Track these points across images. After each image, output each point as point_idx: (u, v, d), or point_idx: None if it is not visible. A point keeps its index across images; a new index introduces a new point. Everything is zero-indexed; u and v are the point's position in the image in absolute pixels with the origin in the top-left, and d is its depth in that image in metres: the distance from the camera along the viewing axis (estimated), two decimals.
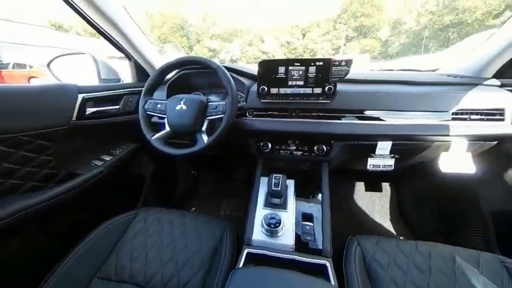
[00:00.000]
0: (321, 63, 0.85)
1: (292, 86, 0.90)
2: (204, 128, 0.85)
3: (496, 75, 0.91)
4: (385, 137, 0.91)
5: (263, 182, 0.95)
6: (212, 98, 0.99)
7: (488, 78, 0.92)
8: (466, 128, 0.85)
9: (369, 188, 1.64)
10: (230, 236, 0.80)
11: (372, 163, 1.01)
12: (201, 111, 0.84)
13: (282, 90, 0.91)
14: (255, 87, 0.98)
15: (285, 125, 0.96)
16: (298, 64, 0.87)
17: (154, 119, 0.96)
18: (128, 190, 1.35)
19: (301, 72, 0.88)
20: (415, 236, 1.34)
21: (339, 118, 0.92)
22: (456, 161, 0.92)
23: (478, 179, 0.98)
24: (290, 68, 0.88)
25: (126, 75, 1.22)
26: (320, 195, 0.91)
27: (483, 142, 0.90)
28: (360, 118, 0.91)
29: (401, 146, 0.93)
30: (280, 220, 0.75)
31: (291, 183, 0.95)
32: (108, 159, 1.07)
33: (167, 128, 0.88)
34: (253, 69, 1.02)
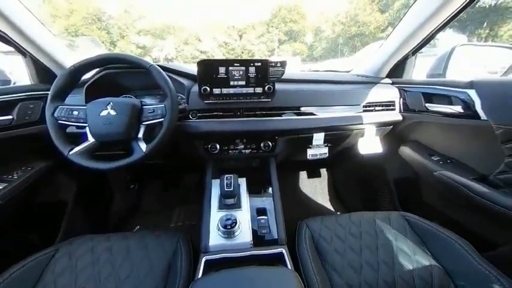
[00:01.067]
0: (259, 64, 0.90)
1: (234, 86, 0.91)
2: (140, 135, 0.75)
3: (388, 75, 1.19)
4: (319, 129, 1.05)
5: (215, 184, 0.93)
6: (147, 100, 0.89)
7: (383, 78, 1.19)
8: (373, 117, 1.08)
9: (310, 175, 1.85)
10: (185, 248, 0.75)
11: (310, 153, 1.15)
12: (134, 116, 0.74)
13: (225, 91, 0.91)
14: (195, 88, 0.94)
15: (231, 125, 0.96)
16: (238, 64, 0.89)
17: (71, 129, 0.78)
18: (41, 223, 1.06)
19: (241, 73, 0.90)
20: (348, 209, 1.61)
21: (280, 115, 1.00)
22: (369, 144, 1.16)
23: (384, 156, 1.26)
24: (230, 68, 0.89)
25: (21, 76, 0.94)
26: (270, 188, 0.97)
27: (385, 127, 1.16)
28: (297, 114, 1.01)
29: (331, 136, 1.09)
30: (236, 220, 0.75)
31: (242, 182, 0.96)
32: (0, 187, 0.80)
33: (90, 139, 0.73)
34: (192, 69, 0.98)
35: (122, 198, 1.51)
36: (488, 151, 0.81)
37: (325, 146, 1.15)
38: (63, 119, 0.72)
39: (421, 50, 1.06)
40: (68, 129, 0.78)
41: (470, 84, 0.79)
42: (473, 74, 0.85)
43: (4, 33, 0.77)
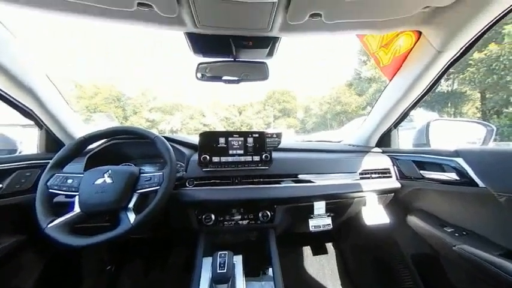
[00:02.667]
0: (257, 135, 0.98)
1: (233, 155, 0.95)
2: (131, 205, 0.71)
3: (377, 145, 1.28)
4: (319, 197, 1.01)
5: (206, 264, 0.80)
6: (146, 168, 0.90)
7: (373, 147, 1.27)
8: (371, 184, 1.07)
9: (316, 252, 1.63)
10: None
11: (313, 224, 1.06)
12: (130, 184, 0.73)
13: (224, 159, 0.94)
14: (195, 157, 0.97)
15: (228, 193, 0.93)
16: (237, 135, 0.97)
17: (59, 198, 0.74)
18: None
19: (240, 142, 0.96)
20: None
21: (278, 183, 0.99)
22: (374, 213, 1.10)
23: (393, 228, 1.16)
24: (230, 138, 0.95)
25: (30, 146, 0.99)
26: (271, 269, 0.83)
27: (386, 195, 1.14)
28: (295, 182, 1.01)
29: (333, 205, 1.05)
30: None
31: (238, 260, 0.84)
32: None
33: (76, 210, 0.68)
34: (194, 139, 1.05)
35: (93, 283, 1.24)
36: (502, 221, 0.76)
37: (328, 216, 1.08)
38: (55, 187, 0.70)
39: (401, 124, 1.19)
40: (56, 199, 0.74)
41: (457, 153, 0.84)
42: (456, 143, 0.92)
43: (31, 110, 0.87)
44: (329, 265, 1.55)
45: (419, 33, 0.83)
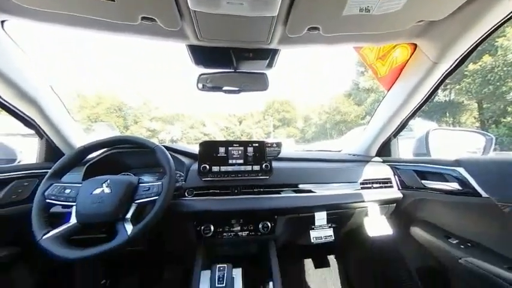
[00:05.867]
0: (257, 144, 0.98)
1: (233, 164, 0.94)
2: (129, 215, 0.70)
3: (377, 154, 1.28)
4: (320, 208, 0.99)
5: (204, 277, 0.78)
6: (145, 178, 0.89)
7: (374, 156, 1.27)
8: (372, 194, 1.06)
9: (318, 265, 1.58)
10: None
11: (314, 235, 1.03)
12: (127, 194, 0.72)
13: (223, 168, 0.93)
14: (195, 166, 0.96)
15: (228, 204, 0.92)
16: (237, 145, 0.96)
17: (55, 209, 0.73)
18: None
19: (240, 152, 0.96)
20: None
21: (279, 193, 0.98)
22: (376, 224, 1.08)
23: (397, 240, 1.13)
24: (230, 148, 0.95)
25: (29, 156, 0.98)
26: (271, 283, 0.80)
27: (388, 205, 1.12)
28: (296, 192, 0.99)
29: (334, 215, 1.03)
30: None
31: (238, 274, 0.81)
32: None
33: (73, 221, 0.67)
34: (193, 148, 1.05)
35: None
36: (508, 232, 0.74)
37: (330, 227, 1.05)
38: (52, 197, 0.69)
39: (400, 134, 1.19)
40: (53, 209, 0.73)
41: (458, 163, 0.84)
42: (456, 153, 0.92)
43: (33, 120, 0.87)
44: (331, 279, 1.50)
45: (415, 45, 0.86)
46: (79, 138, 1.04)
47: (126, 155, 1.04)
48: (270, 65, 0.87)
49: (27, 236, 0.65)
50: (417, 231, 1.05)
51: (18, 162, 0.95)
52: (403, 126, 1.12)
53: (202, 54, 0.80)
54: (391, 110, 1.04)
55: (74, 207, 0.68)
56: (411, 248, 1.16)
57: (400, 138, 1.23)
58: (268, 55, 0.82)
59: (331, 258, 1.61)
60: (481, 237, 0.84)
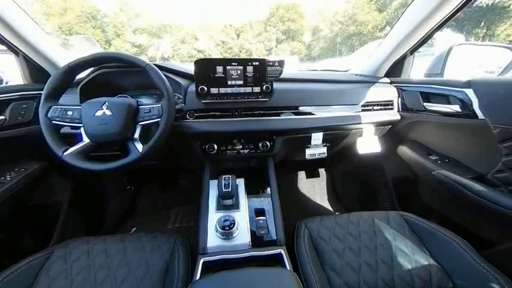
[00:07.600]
0: (257, 63, 0.89)
1: (232, 86, 0.90)
2: (136, 135, 0.74)
3: (386, 75, 1.19)
4: (317, 129, 1.04)
5: (212, 185, 0.92)
6: (143, 100, 0.87)
7: (381, 77, 1.19)
8: (372, 116, 1.08)
9: (309, 175, 1.85)
10: (182, 250, 0.74)
11: (309, 153, 1.14)
12: (130, 116, 0.73)
13: (223, 90, 0.90)
14: (192, 88, 0.92)
15: (229, 125, 0.95)
16: (236, 64, 0.88)
17: (65, 130, 0.76)
18: (35, 225, 1.04)
19: (239, 72, 0.89)
20: (347, 209, 1.61)
21: (278, 115, 0.99)
22: (368, 143, 1.16)
23: (382, 156, 1.26)
24: (228, 67, 0.87)
25: (13, 76, 0.92)
26: (269, 188, 0.96)
27: (383, 127, 1.16)
28: (295, 114, 1.00)
29: (330, 136, 1.09)
30: (234, 221, 0.74)
31: (240, 182, 0.95)
32: None
33: (85, 140, 0.72)
34: (189, 68, 0.96)
35: (118, 200, 1.49)
36: (485, 150, 0.81)
37: (324, 146, 1.14)
38: (58, 119, 0.71)
39: (418, 50, 1.06)
40: (63, 130, 0.76)
41: (468, 84, 0.79)
42: (470, 73, 0.85)
43: None
44: (319, 186, 1.80)
45: None
46: (59, 55, 0.94)
47: (117, 76, 0.98)
48: None
49: (48, 154, 0.72)
50: (403, 149, 1.15)
51: (6, 83, 0.91)
52: (425, 40, 0.97)
53: None
54: (416, 19, 0.86)
55: (82, 128, 0.71)
56: (392, 163, 1.31)
57: (417, 55, 1.11)
58: None
59: (321, 170, 1.86)
60: (460, 155, 0.93)
